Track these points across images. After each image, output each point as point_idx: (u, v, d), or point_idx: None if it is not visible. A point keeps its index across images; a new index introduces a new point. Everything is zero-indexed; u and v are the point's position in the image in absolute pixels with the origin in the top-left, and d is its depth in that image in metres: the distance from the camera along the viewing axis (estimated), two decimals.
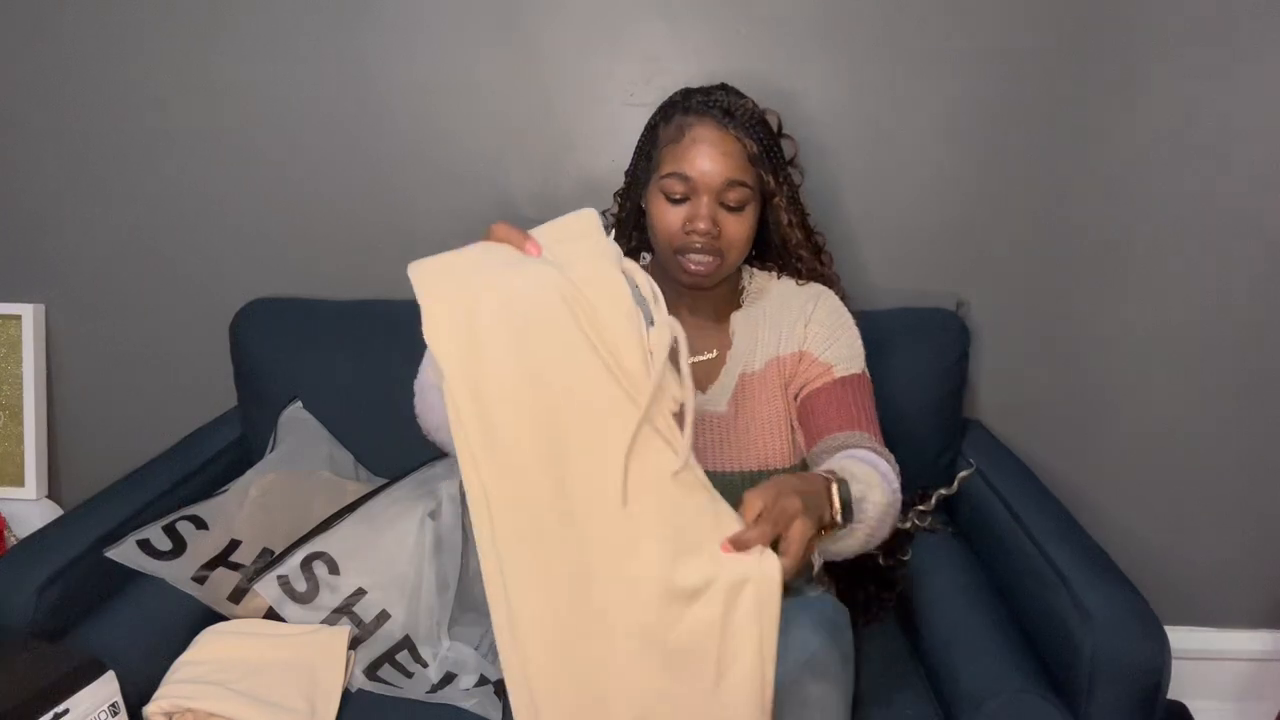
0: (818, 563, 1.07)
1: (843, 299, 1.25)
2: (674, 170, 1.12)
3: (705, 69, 1.52)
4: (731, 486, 1.17)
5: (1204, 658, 1.72)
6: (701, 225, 1.11)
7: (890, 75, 1.52)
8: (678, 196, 1.13)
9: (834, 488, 0.94)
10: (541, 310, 0.81)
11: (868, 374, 1.21)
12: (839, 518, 0.94)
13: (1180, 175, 1.52)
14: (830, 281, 1.26)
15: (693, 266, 1.14)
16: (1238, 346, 1.60)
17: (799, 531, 0.83)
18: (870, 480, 1.01)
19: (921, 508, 1.27)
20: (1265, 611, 1.73)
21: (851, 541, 1.01)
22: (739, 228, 1.14)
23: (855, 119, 1.54)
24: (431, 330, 0.82)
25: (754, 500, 0.85)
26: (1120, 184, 1.54)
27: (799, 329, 1.21)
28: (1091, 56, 1.48)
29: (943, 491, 1.30)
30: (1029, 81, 1.50)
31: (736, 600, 0.81)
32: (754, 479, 1.18)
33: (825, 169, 1.54)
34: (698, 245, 1.12)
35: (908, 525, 1.22)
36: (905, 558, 1.31)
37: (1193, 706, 1.55)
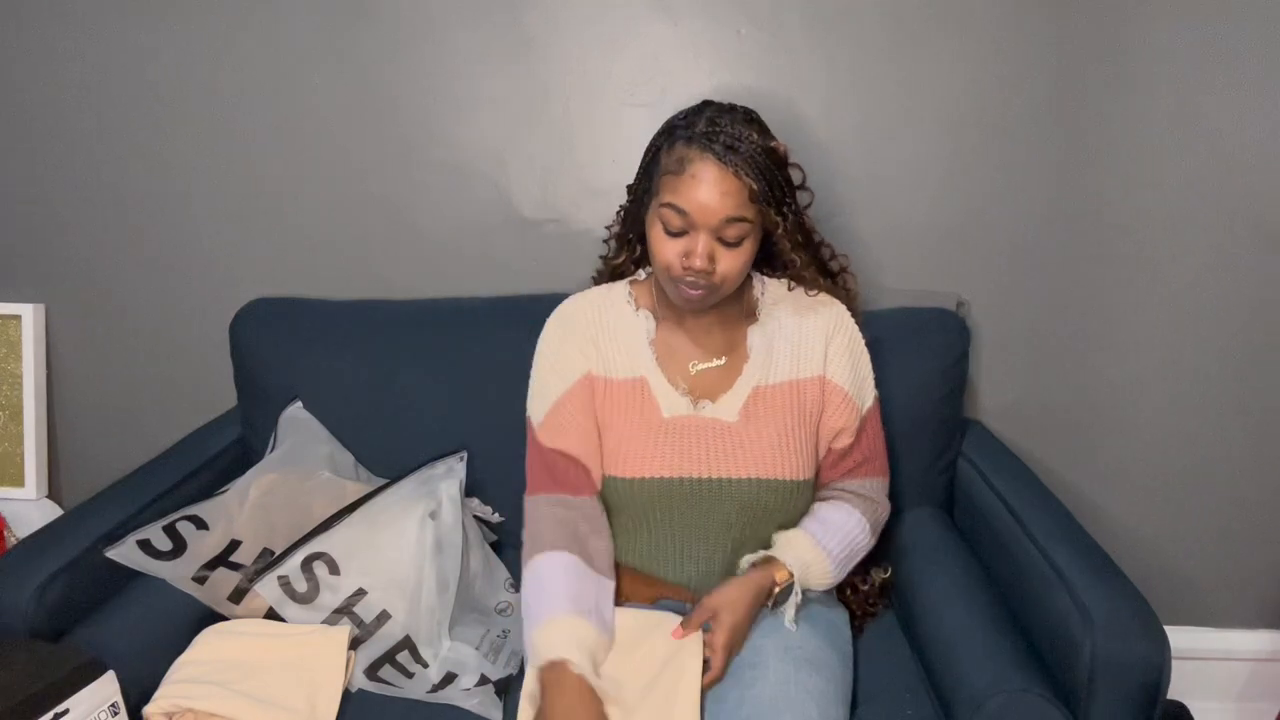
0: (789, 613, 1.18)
1: (855, 312, 1.28)
2: (672, 203, 1.11)
3: (705, 69, 1.53)
4: (737, 493, 1.19)
5: (1204, 658, 1.72)
6: (698, 263, 1.11)
7: (890, 75, 1.52)
8: (675, 229, 1.12)
9: (775, 590, 1.16)
10: None
11: (877, 393, 1.29)
12: (774, 603, 1.17)
13: (1182, 175, 1.52)
14: (840, 295, 1.28)
15: (686, 293, 1.15)
16: (1238, 346, 1.60)
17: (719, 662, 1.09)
18: (817, 561, 1.18)
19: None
20: (1265, 611, 1.73)
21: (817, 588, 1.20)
22: (734, 262, 1.14)
23: (855, 119, 1.54)
24: None
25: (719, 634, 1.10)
26: (1121, 183, 1.53)
27: (818, 351, 1.24)
28: (1091, 56, 1.48)
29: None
30: (1030, 81, 1.50)
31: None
32: (759, 487, 1.19)
33: (825, 168, 1.53)
34: (691, 279, 1.13)
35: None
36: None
37: (1193, 706, 1.55)
